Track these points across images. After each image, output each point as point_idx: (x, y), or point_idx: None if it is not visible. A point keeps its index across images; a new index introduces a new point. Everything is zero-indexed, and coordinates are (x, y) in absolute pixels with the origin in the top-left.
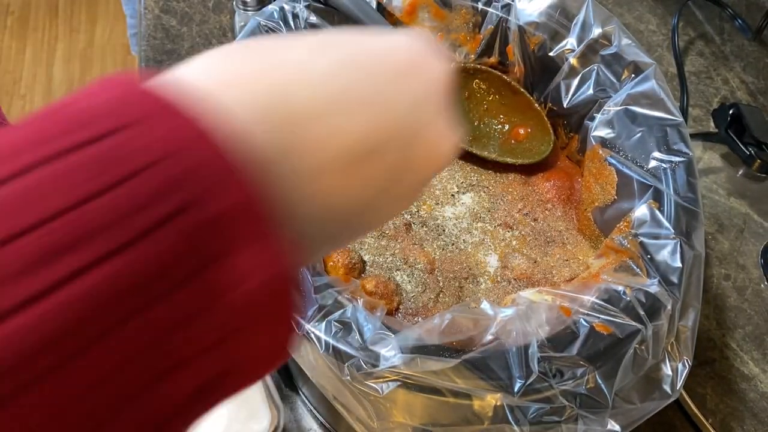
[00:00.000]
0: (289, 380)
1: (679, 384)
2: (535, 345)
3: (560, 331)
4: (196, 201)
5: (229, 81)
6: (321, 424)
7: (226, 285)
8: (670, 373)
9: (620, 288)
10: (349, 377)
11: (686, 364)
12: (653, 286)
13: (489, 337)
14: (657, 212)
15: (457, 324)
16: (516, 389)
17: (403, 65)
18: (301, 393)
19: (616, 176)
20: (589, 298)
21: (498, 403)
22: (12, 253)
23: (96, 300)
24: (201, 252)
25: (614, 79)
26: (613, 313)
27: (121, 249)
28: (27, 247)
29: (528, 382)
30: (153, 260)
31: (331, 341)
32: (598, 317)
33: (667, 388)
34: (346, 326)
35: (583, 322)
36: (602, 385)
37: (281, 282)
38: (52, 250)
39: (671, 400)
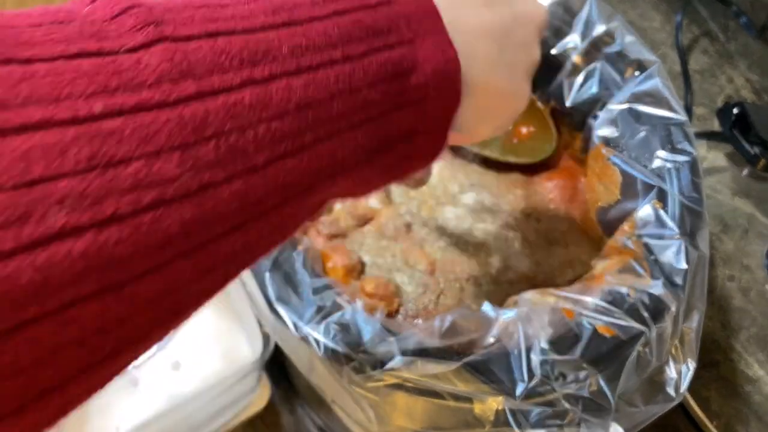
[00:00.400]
0: (287, 383)
1: (683, 386)
2: (538, 347)
3: (563, 334)
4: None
5: None
6: (319, 429)
7: (423, 59)
8: (674, 375)
9: (624, 290)
10: (348, 380)
11: (690, 366)
12: (657, 288)
13: (490, 340)
14: (661, 212)
15: (458, 326)
16: (518, 392)
17: None
18: (299, 396)
19: (620, 176)
20: (592, 300)
21: (500, 407)
22: (326, 25)
23: (350, 28)
24: (405, 28)
25: (618, 77)
26: (616, 315)
27: (359, 8)
28: (332, 24)
29: (530, 386)
30: (376, 21)
31: (330, 343)
32: (601, 319)
33: (671, 390)
34: (345, 328)
35: (586, 325)
36: (605, 388)
37: (454, 63)
38: None
39: (675, 402)
